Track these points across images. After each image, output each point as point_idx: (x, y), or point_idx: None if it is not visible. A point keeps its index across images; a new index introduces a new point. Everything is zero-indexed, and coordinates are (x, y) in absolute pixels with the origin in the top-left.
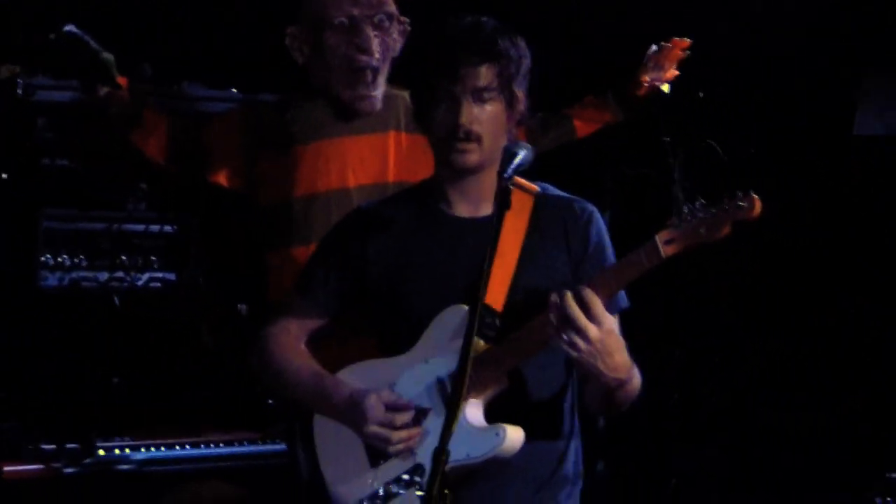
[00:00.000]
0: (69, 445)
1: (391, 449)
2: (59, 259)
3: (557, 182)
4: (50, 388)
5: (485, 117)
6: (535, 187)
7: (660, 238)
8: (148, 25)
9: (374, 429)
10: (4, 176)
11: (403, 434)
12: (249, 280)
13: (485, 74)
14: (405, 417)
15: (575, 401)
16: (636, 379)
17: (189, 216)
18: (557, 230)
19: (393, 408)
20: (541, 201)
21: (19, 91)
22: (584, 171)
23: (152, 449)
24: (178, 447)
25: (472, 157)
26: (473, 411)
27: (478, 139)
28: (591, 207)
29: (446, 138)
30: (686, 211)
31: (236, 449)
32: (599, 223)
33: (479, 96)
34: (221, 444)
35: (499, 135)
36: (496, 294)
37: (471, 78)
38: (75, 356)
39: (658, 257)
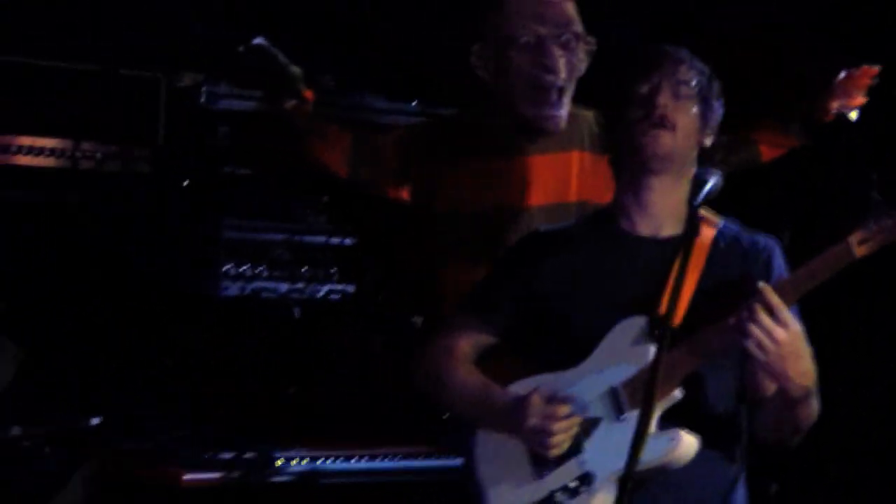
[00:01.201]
0: (247, 455)
1: (551, 443)
2: (241, 269)
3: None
4: (229, 398)
5: (681, 108)
6: (717, 220)
7: (853, 239)
8: (330, 37)
9: (533, 421)
10: (186, 184)
11: (563, 425)
12: (424, 293)
13: (685, 71)
14: (565, 409)
15: (745, 430)
16: (816, 399)
17: (368, 229)
18: (736, 266)
19: (553, 400)
20: (722, 235)
21: (202, 99)
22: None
23: (329, 460)
24: (354, 459)
25: (665, 142)
26: None
27: (672, 126)
28: (773, 243)
29: (640, 122)
30: (880, 211)
31: (412, 463)
32: (779, 258)
33: (677, 90)
34: (397, 458)
35: (691, 135)
36: (675, 312)
37: (672, 69)
38: (254, 366)
39: (850, 256)
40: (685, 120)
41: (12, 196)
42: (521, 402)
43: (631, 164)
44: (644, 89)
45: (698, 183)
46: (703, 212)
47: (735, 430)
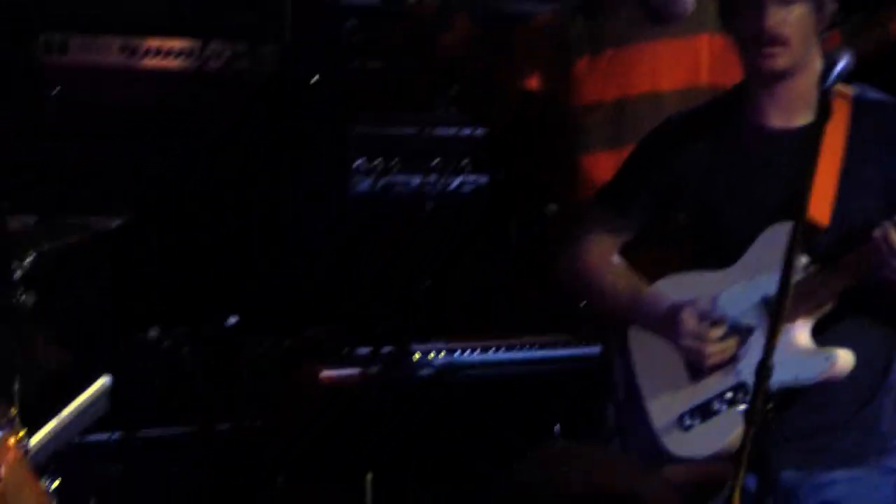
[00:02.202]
0: (384, 350)
1: (706, 363)
2: (373, 164)
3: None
4: (364, 293)
5: (792, 19)
6: (850, 91)
7: None
8: None
9: (687, 342)
10: (315, 80)
11: (717, 348)
12: (558, 183)
13: None
14: (718, 331)
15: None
16: None
17: (499, 118)
18: (879, 137)
19: (706, 317)
20: (859, 106)
21: None
22: None
23: (467, 352)
24: (491, 350)
25: (780, 61)
26: (802, 333)
27: (785, 42)
28: None
29: (752, 43)
30: None
31: (550, 352)
32: None
33: None
34: (535, 347)
35: (808, 37)
36: (820, 209)
37: None
38: (388, 260)
39: None
40: (798, 28)
41: (142, 99)
42: (673, 316)
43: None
44: (746, 12)
45: (828, 64)
46: (835, 89)
47: (890, 344)
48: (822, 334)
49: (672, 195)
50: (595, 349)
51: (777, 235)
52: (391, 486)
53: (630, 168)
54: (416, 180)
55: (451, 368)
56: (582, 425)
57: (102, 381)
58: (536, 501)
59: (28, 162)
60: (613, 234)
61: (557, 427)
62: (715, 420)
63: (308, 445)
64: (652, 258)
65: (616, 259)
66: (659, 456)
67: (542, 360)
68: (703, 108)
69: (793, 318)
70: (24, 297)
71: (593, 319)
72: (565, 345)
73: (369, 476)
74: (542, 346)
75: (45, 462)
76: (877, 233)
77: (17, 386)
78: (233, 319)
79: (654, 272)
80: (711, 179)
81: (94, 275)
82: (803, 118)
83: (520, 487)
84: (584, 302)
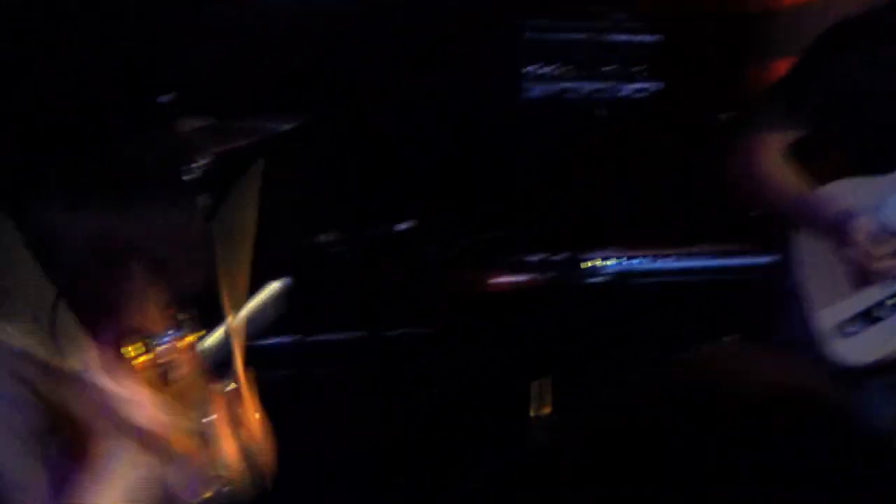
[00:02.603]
0: (554, 257)
1: (872, 273)
2: (544, 70)
3: None
4: (535, 200)
5: None
6: None
7: None
8: None
9: (855, 252)
10: None
11: (884, 265)
12: (727, 90)
13: None
14: (887, 248)
15: None
16: None
17: (672, 24)
18: None
19: (875, 235)
20: None
21: None
22: None
23: (637, 260)
24: (663, 259)
25: None
26: None
27: None
28: None
29: None
30: None
31: (721, 261)
32: None
33: None
34: (709, 256)
35: None
36: None
37: None
38: (559, 167)
39: None
40: None
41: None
42: (843, 224)
43: None
44: None
45: None
46: None
47: None
48: None
49: (842, 96)
50: (766, 258)
51: None
52: (557, 392)
53: (803, 67)
54: (588, 86)
55: (623, 276)
56: (752, 333)
57: (276, 285)
58: (710, 400)
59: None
60: (782, 135)
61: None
62: (877, 327)
63: (475, 351)
64: (819, 162)
65: (785, 160)
66: (823, 362)
67: (713, 269)
68: (879, 10)
69: None
70: (196, 200)
71: (765, 227)
72: (737, 253)
73: (535, 382)
74: (714, 255)
75: (219, 366)
76: None
77: (191, 288)
78: (405, 224)
79: (821, 176)
80: (881, 82)
81: (267, 178)
82: None
83: (691, 388)
84: (756, 211)
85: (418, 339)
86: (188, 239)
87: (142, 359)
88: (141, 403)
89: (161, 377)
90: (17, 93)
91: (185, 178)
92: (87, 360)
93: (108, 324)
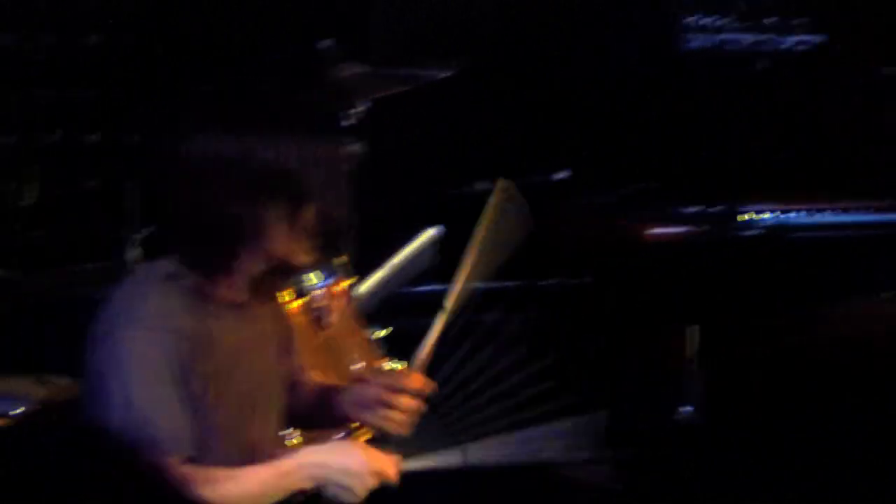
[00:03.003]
0: (712, 209)
1: None
2: (705, 21)
3: None
4: (693, 151)
5: None
6: None
7: None
8: None
9: None
10: None
11: None
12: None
13: None
14: None
15: None
16: None
17: None
18: None
19: None
20: None
21: None
22: None
23: (796, 213)
24: (820, 213)
25: None
26: None
27: None
28: None
29: None
30: None
31: (879, 216)
32: None
33: None
34: (864, 211)
35: None
36: None
37: None
38: (718, 118)
39: None
40: None
41: None
42: None
43: None
44: None
45: None
46: None
47: None
48: None
49: None
50: None
51: None
52: (710, 341)
53: None
54: (749, 38)
55: (778, 229)
56: None
57: (430, 233)
58: (865, 355)
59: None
60: None
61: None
62: None
63: (631, 300)
64: None
65: None
66: None
67: (870, 224)
68: None
69: None
70: (354, 146)
71: None
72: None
73: (690, 329)
74: (871, 210)
75: (373, 311)
76: None
77: (348, 233)
78: (561, 174)
79: None
80: None
81: (423, 125)
82: None
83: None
84: None
85: (574, 289)
86: (343, 181)
87: (297, 303)
88: None
89: (315, 322)
90: None
91: (343, 122)
92: None
93: (264, 262)
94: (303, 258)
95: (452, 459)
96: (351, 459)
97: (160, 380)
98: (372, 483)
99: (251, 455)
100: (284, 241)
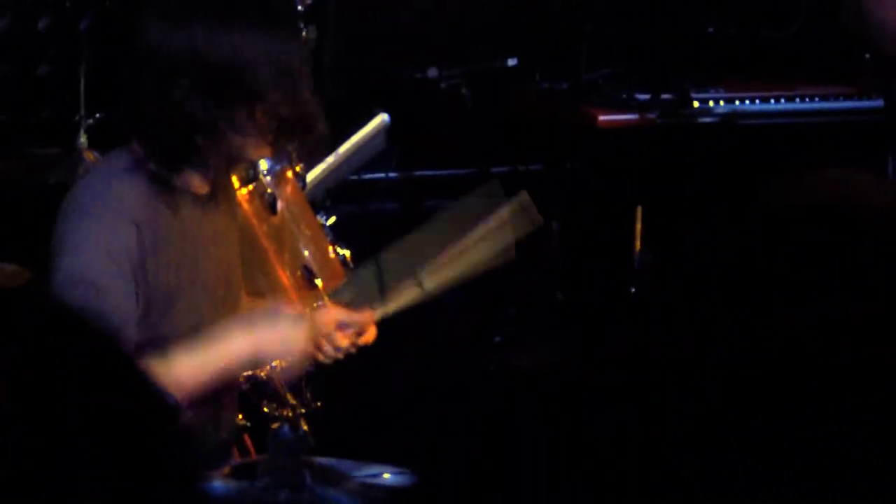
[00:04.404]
0: (664, 96)
1: None
2: None
3: None
4: (645, 37)
5: None
6: None
7: None
8: None
9: None
10: None
11: None
12: None
13: None
14: None
15: None
16: None
17: None
18: None
19: None
20: None
21: None
22: None
23: (746, 102)
24: (771, 101)
25: None
26: None
27: None
28: None
29: None
30: None
31: (830, 104)
32: None
33: None
34: (815, 99)
35: None
36: None
37: None
38: (670, 3)
39: None
40: None
41: None
42: None
43: None
44: None
45: None
46: None
47: None
48: None
49: None
50: (877, 101)
51: None
52: (658, 224)
53: None
54: None
55: (730, 116)
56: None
57: (380, 119)
58: (813, 219)
59: None
60: None
61: None
62: None
63: (582, 187)
64: None
65: None
66: None
67: (822, 112)
68: None
69: None
70: (304, 32)
71: (876, 70)
72: (847, 96)
73: (639, 208)
74: (823, 98)
75: (322, 197)
76: None
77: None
78: (512, 61)
79: None
80: None
81: (373, 12)
82: None
83: (794, 207)
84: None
85: (527, 175)
86: (298, 66)
87: (245, 189)
88: None
89: (264, 208)
90: None
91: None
92: None
93: (224, 155)
94: (262, 152)
95: (413, 294)
96: (279, 320)
97: (115, 263)
98: (312, 337)
99: None
100: (243, 136)
